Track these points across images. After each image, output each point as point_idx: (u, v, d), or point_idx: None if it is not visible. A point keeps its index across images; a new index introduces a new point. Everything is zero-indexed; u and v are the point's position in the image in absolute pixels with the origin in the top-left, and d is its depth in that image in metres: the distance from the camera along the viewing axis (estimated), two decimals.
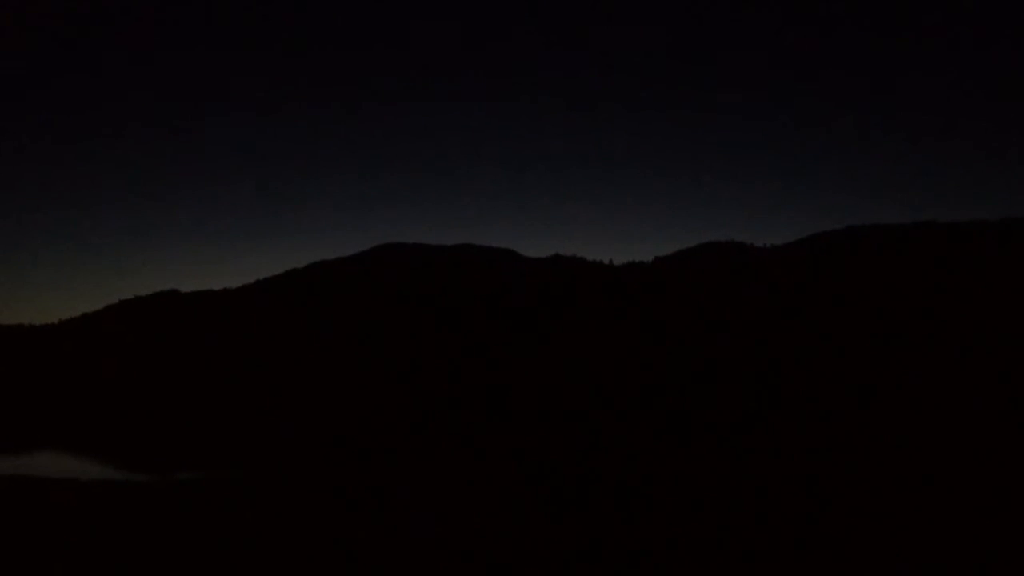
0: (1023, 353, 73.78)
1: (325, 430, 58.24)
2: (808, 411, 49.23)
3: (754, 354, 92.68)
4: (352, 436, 53.15)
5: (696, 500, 20.62)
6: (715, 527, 17.47)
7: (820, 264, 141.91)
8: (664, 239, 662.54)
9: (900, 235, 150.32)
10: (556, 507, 20.56)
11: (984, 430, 39.25)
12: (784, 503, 20.23)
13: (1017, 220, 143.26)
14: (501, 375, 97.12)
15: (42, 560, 16.04)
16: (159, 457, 50.61)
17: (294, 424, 63.61)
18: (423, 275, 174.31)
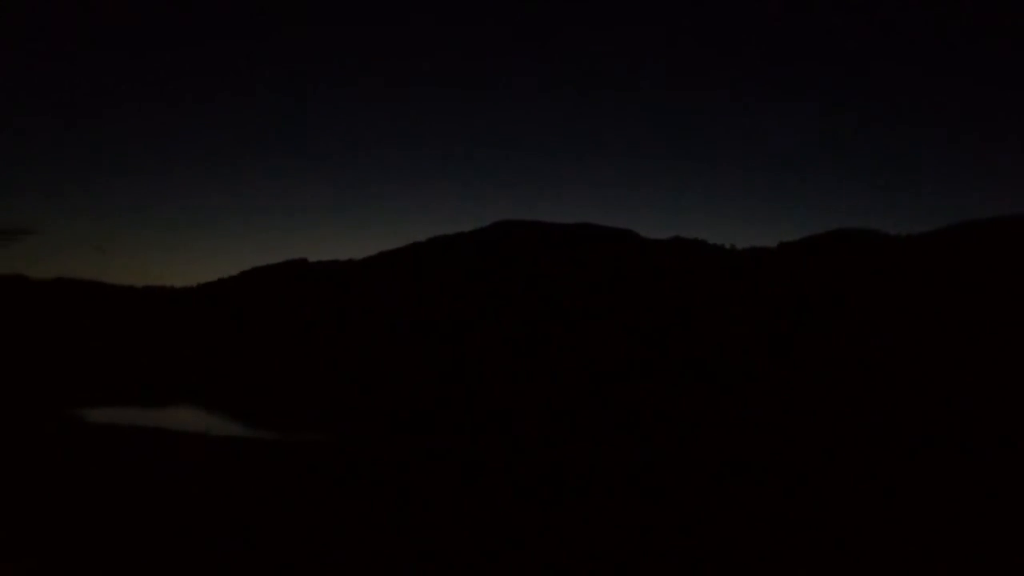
0: None
1: (442, 400, 59.22)
2: (961, 413, 46.29)
3: (888, 352, 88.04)
4: (466, 407, 53.81)
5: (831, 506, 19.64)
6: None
7: (962, 254, 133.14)
8: (790, 224, 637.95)
9: None
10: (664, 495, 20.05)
11: None
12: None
13: None
14: (613, 358, 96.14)
15: (168, 509, 16.83)
16: (282, 417, 52.76)
17: (412, 392, 65.00)
18: (540, 253, 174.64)
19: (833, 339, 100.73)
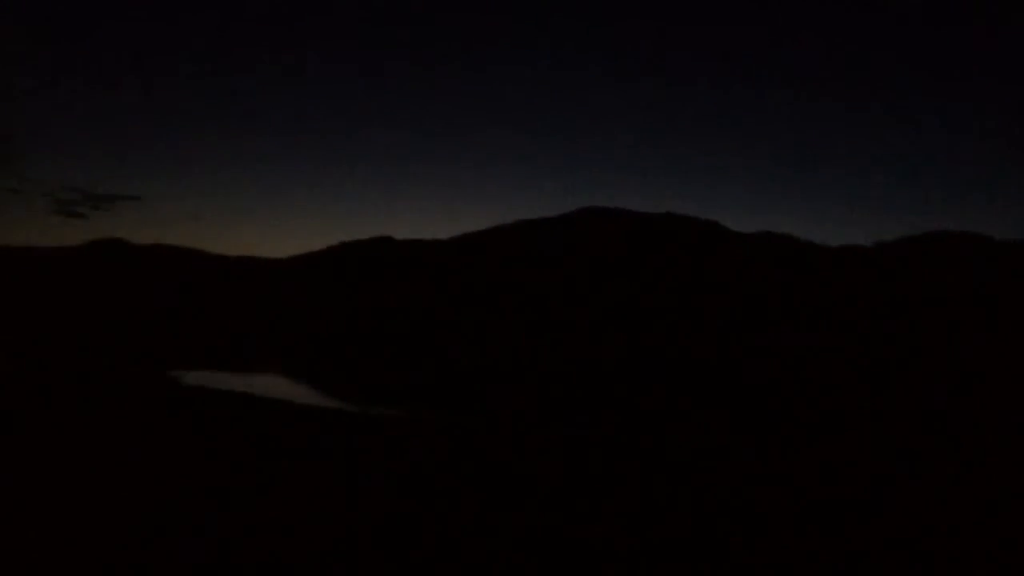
0: None
1: (519, 383, 59.15)
2: None
3: (987, 360, 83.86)
4: (547, 393, 53.57)
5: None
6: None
7: None
8: (888, 223, 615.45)
9: None
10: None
11: None
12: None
13: None
14: (694, 351, 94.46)
15: (249, 472, 17.01)
16: (363, 390, 53.55)
17: (489, 374, 65.19)
18: (624, 241, 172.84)
19: (928, 344, 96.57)
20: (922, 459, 27.68)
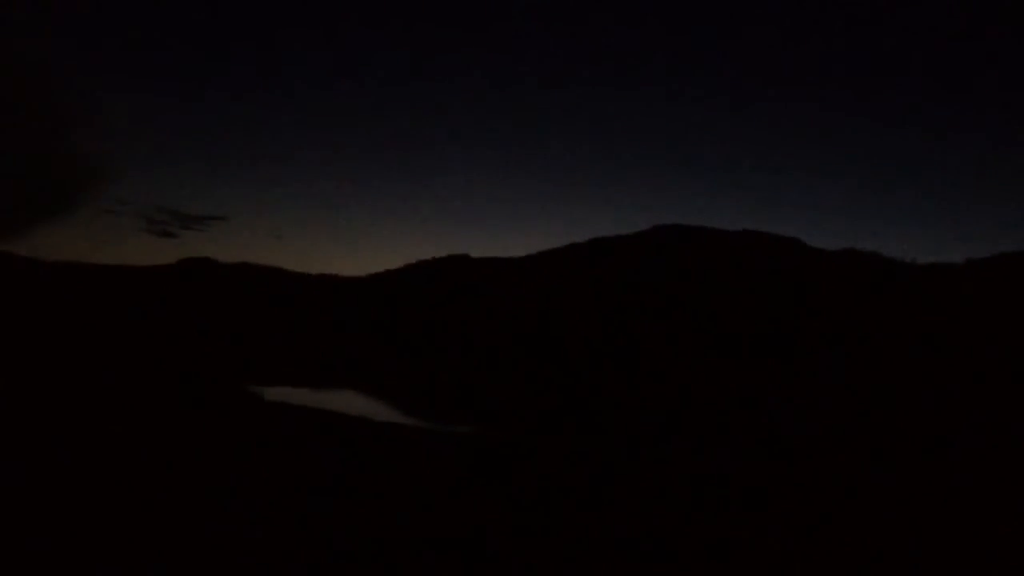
0: None
1: (595, 403, 58.85)
2: None
3: None
4: (618, 412, 53.14)
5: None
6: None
7: None
8: (981, 238, 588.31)
9: None
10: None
11: None
12: None
13: None
14: (771, 373, 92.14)
15: (323, 486, 17.42)
16: (438, 408, 54.14)
17: (566, 393, 65.03)
18: (700, 259, 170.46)
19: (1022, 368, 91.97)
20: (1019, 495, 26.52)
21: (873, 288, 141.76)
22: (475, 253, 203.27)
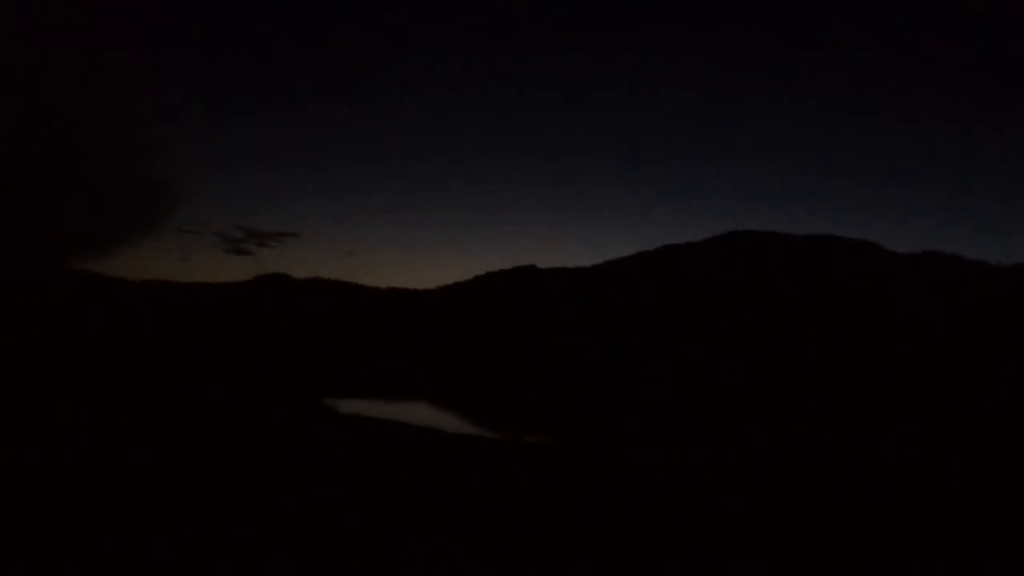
0: None
1: (664, 412, 57.88)
2: None
3: None
4: (689, 420, 52.10)
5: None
6: None
7: None
8: None
9: None
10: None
11: None
12: None
13: None
14: (851, 382, 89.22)
15: (394, 498, 17.35)
16: (510, 419, 53.94)
17: (635, 402, 64.16)
18: (774, 265, 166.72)
19: None
20: None
21: (955, 291, 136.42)
22: (542, 264, 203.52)
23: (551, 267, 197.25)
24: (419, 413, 51.24)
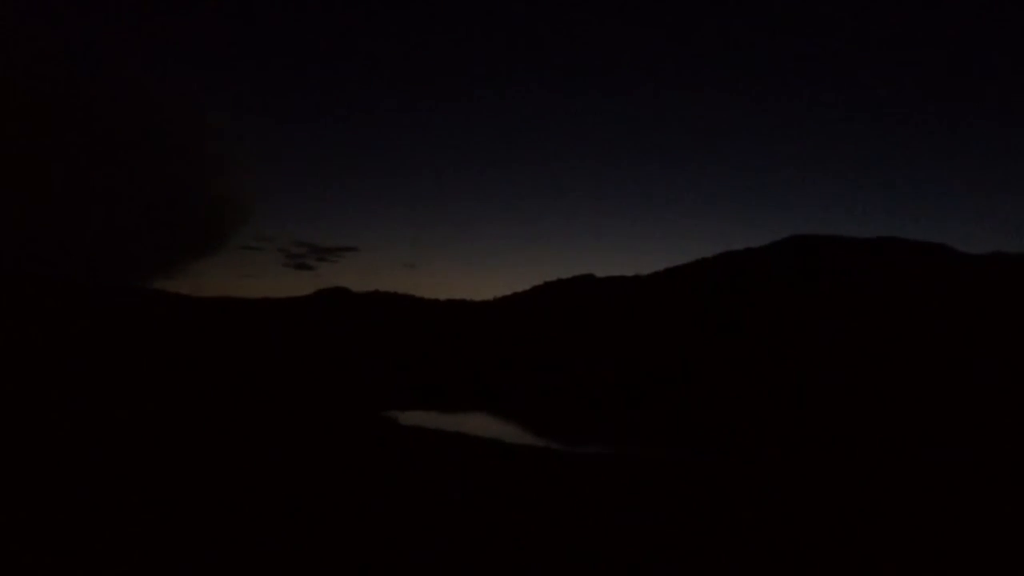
0: None
1: (730, 420, 56.83)
2: None
3: None
4: (753, 429, 51.04)
5: None
6: None
7: None
8: None
9: None
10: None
11: None
12: None
13: None
14: (922, 387, 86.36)
15: (461, 509, 17.32)
16: (570, 430, 53.63)
17: (698, 413, 63.21)
18: (839, 270, 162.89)
19: None
20: None
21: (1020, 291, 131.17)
22: (600, 273, 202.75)
23: (609, 275, 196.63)
24: (480, 424, 51.33)
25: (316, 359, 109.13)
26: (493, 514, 17.89)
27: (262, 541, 13.84)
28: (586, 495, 21.46)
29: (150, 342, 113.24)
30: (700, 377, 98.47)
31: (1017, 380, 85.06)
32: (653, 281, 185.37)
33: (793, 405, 70.47)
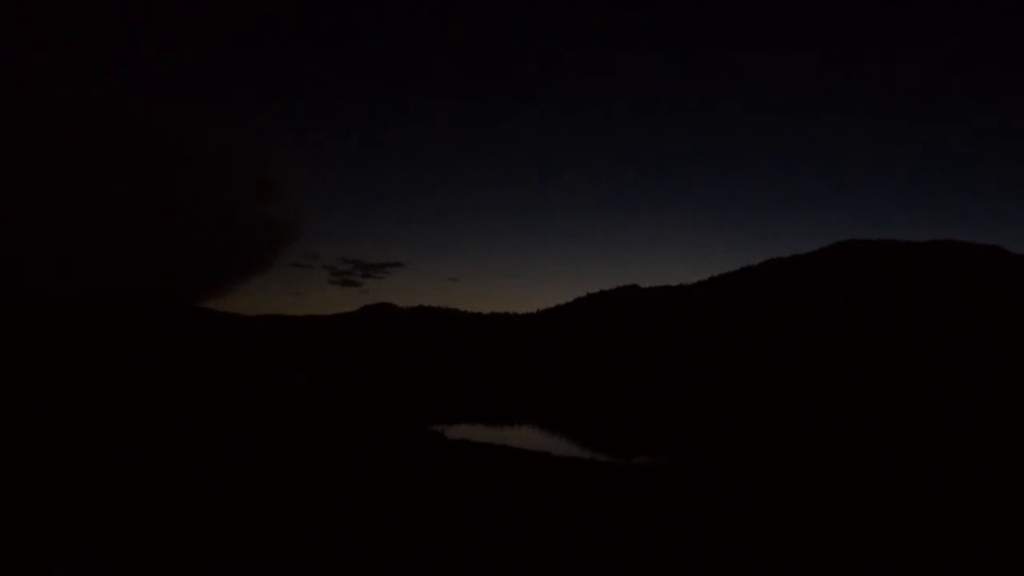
0: None
1: (779, 428, 55.96)
2: None
3: None
4: (801, 440, 50.17)
5: None
6: None
7: None
8: None
9: None
10: None
11: None
12: None
13: None
14: (978, 390, 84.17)
15: (504, 523, 17.34)
16: (616, 441, 53.31)
17: (744, 420, 62.34)
18: (891, 274, 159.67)
19: None
20: None
21: None
22: (644, 283, 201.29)
23: (653, 285, 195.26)
24: (526, 437, 51.31)
25: (363, 373, 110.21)
26: (539, 527, 17.91)
27: (306, 551, 14.06)
28: (637, 510, 21.35)
29: (204, 360, 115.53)
30: (748, 384, 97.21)
31: None
32: (698, 290, 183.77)
33: (848, 412, 69.13)
